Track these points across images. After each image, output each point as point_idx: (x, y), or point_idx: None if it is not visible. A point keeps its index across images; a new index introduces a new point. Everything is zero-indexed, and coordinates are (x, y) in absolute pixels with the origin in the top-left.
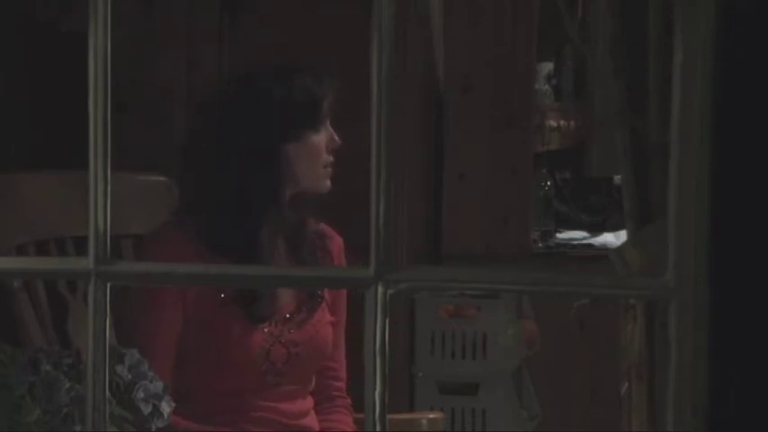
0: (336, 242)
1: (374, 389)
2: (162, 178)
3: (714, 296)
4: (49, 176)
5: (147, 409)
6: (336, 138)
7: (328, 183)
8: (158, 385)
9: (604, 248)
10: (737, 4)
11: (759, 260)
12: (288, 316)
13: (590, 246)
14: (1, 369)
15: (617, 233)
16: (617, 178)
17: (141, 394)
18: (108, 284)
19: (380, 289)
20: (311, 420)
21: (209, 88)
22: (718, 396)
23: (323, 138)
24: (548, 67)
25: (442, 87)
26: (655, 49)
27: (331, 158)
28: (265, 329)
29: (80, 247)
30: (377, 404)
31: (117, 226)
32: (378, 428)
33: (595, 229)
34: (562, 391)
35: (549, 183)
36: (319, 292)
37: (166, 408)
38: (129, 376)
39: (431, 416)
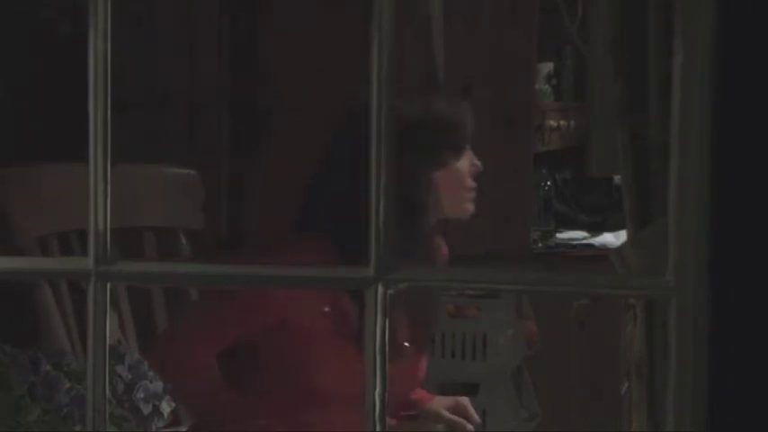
0: (444, 251)
1: (374, 389)
2: (189, 171)
3: (714, 296)
4: (72, 168)
5: (147, 409)
6: (477, 162)
7: (471, 207)
8: (158, 385)
9: (604, 248)
10: (737, 5)
11: (759, 260)
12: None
13: (590, 246)
14: (1, 369)
15: (617, 233)
16: (617, 178)
17: (141, 394)
18: (108, 284)
19: (380, 289)
20: None
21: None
22: (718, 396)
23: (465, 163)
24: (548, 67)
25: (441, 87)
26: (655, 49)
27: (474, 183)
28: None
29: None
30: (377, 404)
31: (140, 218)
32: (378, 428)
33: (595, 229)
34: (562, 391)
35: (548, 183)
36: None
37: (166, 408)
38: (129, 376)
39: None
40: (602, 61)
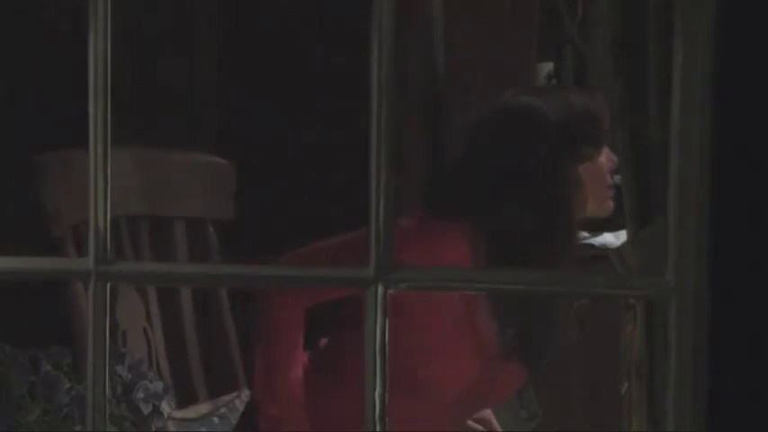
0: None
1: (374, 389)
2: (223, 160)
3: (714, 296)
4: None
5: (147, 409)
6: (614, 156)
7: (612, 204)
8: (158, 385)
9: (604, 248)
10: (737, 5)
11: (759, 260)
12: None
13: (590, 246)
14: (1, 369)
15: (617, 233)
16: (617, 178)
17: (141, 394)
18: (108, 284)
19: (380, 289)
20: None
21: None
22: (718, 396)
23: (604, 157)
24: (548, 67)
25: (441, 87)
26: (655, 49)
27: (612, 179)
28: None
29: (133, 226)
30: (377, 404)
31: (171, 208)
32: (378, 428)
33: (595, 229)
34: (562, 391)
35: None
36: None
37: (166, 408)
38: (129, 376)
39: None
40: (602, 61)
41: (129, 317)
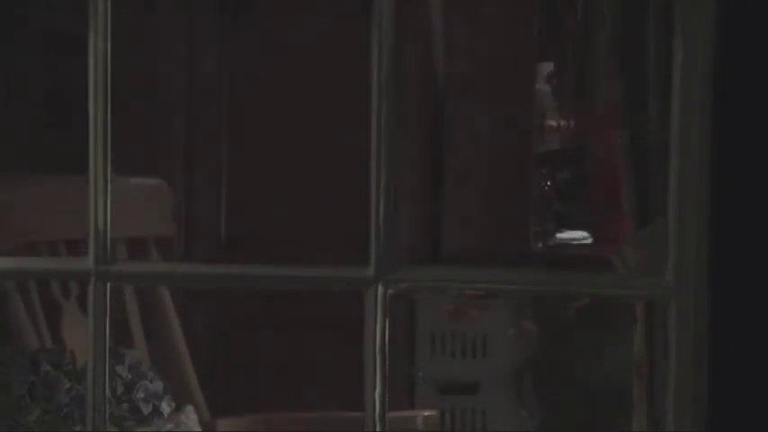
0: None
1: (374, 389)
2: (159, 181)
3: (714, 296)
4: (53, 179)
5: (147, 409)
6: None
7: None
8: (158, 385)
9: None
10: (737, 5)
11: (759, 260)
12: None
13: (590, 246)
14: (1, 369)
15: None
16: None
17: (141, 394)
18: (108, 284)
19: (380, 289)
20: None
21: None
22: (718, 396)
23: None
24: (548, 67)
25: (441, 87)
26: (655, 49)
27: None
28: None
29: (72, 250)
30: (377, 404)
31: (112, 229)
32: (378, 428)
33: None
34: (562, 391)
35: (549, 183)
36: None
37: (166, 408)
38: (129, 376)
39: (426, 413)
40: (603, 61)
41: (77, 337)
